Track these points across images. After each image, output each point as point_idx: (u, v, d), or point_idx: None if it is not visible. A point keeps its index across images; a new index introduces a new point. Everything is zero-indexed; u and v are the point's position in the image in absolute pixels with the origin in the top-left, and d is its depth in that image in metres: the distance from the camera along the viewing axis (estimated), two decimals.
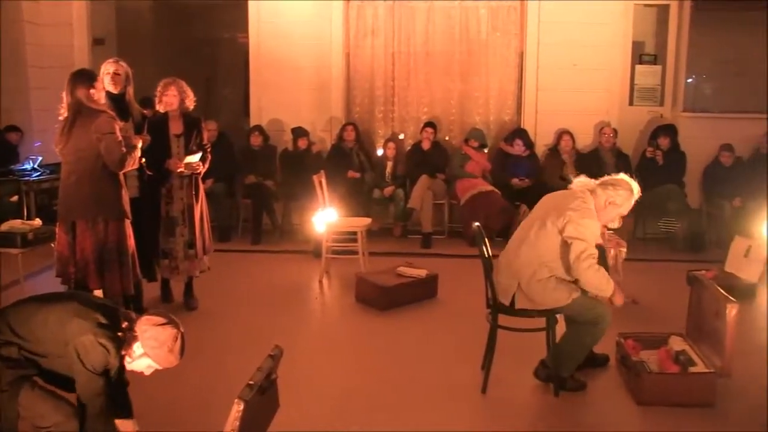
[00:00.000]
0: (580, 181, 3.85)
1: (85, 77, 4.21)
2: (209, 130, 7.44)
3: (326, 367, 4.20)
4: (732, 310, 3.66)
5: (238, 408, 2.47)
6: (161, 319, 2.79)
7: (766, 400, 3.72)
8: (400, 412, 3.60)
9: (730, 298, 3.75)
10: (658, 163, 7.42)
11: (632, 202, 3.73)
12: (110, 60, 4.86)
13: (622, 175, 3.82)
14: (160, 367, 2.81)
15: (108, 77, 4.71)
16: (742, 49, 8.46)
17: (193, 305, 5.18)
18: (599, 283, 3.62)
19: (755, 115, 8.01)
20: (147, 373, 2.85)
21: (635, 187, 3.74)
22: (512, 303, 3.75)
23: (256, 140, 7.69)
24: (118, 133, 4.15)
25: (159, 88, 4.99)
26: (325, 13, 7.85)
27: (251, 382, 2.59)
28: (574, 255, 3.55)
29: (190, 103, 5.03)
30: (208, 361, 4.19)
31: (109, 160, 4.13)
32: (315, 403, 3.69)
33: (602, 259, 3.85)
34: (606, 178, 3.80)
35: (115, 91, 4.72)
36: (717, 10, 8.12)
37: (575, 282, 3.69)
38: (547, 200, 3.92)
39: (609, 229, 3.97)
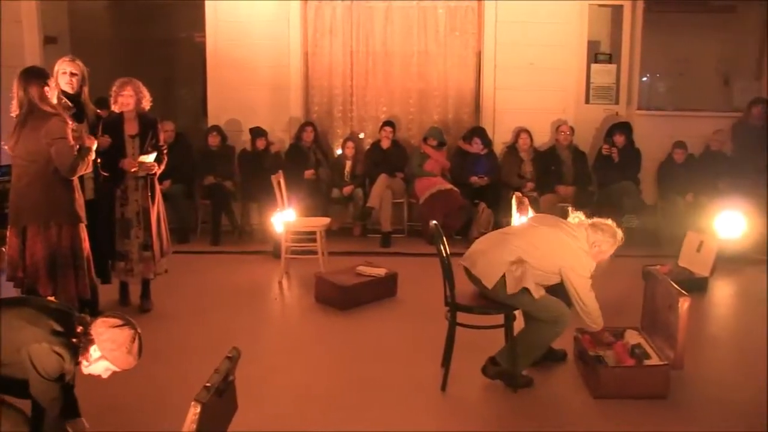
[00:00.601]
0: (578, 218, 3.98)
1: (39, 75, 4.11)
2: (166, 131, 7.37)
3: (286, 368, 4.17)
4: (684, 304, 3.74)
5: (194, 410, 2.44)
6: (117, 321, 2.77)
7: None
8: (360, 411, 3.60)
9: (683, 291, 3.83)
10: (613, 160, 7.53)
11: (614, 250, 3.87)
12: (66, 59, 4.75)
13: (610, 222, 3.92)
14: (118, 369, 2.79)
15: (65, 77, 4.62)
16: (692, 49, 8.66)
17: (147, 307, 5.11)
18: (596, 311, 3.84)
19: (706, 113, 8.21)
20: (105, 376, 2.82)
21: (619, 234, 3.87)
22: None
23: (214, 141, 7.61)
24: (70, 138, 4.06)
25: (114, 88, 4.89)
26: (283, 13, 7.80)
27: (208, 384, 2.56)
28: (577, 285, 3.75)
29: (147, 103, 4.96)
30: (166, 363, 4.13)
31: (60, 166, 4.03)
32: (274, 403, 3.67)
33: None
34: (597, 220, 3.91)
35: (71, 92, 4.63)
36: (667, 11, 8.30)
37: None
38: (545, 218, 4.19)
39: None
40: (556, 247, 3.77)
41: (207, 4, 7.78)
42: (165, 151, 5.08)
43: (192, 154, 7.73)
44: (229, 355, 2.84)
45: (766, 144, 7.59)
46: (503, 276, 3.69)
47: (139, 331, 2.79)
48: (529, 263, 3.70)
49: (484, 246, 3.89)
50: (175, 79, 9.17)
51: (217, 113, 7.94)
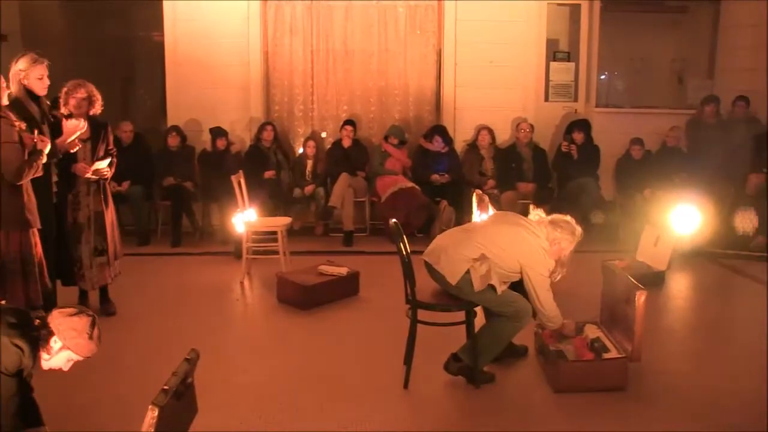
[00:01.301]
0: (538, 215, 4.00)
1: None
2: (125, 132, 7.29)
3: (247, 369, 4.14)
4: (641, 297, 3.80)
5: (152, 414, 2.41)
6: (73, 310, 2.79)
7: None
8: (323, 411, 3.58)
9: (639, 285, 3.88)
10: (573, 157, 7.63)
11: (573, 246, 3.91)
12: (37, 59, 4.46)
13: (569, 218, 3.96)
14: (80, 358, 2.79)
15: (40, 83, 4.41)
16: (648, 48, 8.82)
17: (111, 310, 5.02)
18: (554, 312, 3.88)
19: (662, 111, 8.37)
20: (66, 368, 2.81)
21: (578, 230, 3.92)
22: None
23: (173, 141, 7.52)
24: (17, 140, 3.93)
25: (66, 89, 4.75)
26: (243, 12, 7.75)
27: (166, 387, 2.53)
28: (535, 283, 3.79)
29: (99, 108, 4.84)
30: (126, 366, 4.09)
31: (5, 171, 3.91)
32: (236, 405, 3.63)
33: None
34: (556, 217, 3.94)
35: (43, 94, 4.48)
36: (623, 11, 8.44)
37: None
38: (506, 215, 4.18)
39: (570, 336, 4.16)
40: (518, 245, 3.79)
41: (165, 3, 7.70)
42: (114, 155, 4.96)
43: (151, 154, 7.63)
44: (187, 357, 2.80)
45: (719, 141, 7.76)
46: (467, 272, 3.70)
47: (95, 316, 2.80)
48: (491, 261, 3.71)
49: (447, 242, 3.90)
50: (133, 78, 9.02)
51: (176, 113, 7.84)
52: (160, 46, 7.91)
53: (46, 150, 4.15)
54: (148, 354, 4.31)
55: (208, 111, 7.79)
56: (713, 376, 4.05)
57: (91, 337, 2.75)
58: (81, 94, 4.73)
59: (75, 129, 4.53)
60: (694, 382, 3.98)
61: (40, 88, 4.44)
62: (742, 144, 7.79)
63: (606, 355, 3.95)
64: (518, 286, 3.85)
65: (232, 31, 7.76)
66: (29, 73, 4.38)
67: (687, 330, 5.05)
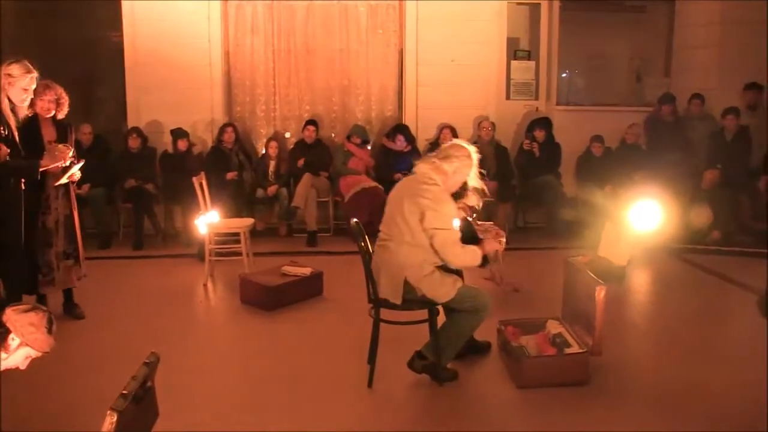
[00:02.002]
0: (422, 164, 3.81)
1: None
2: (84, 134, 7.18)
3: (211, 371, 4.11)
4: (601, 292, 3.85)
5: (110, 419, 2.37)
6: (27, 306, 2.77)
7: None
8: (286, 411, 3.57)
9: (599, 281, 3.94)
10: (535, 155, 7.70)
11: (474, 167, 3.79)
12: (30, 70, 4.30)
13: (458, 141, 3.88)
14: (39, 354, 2.76)
15: (23, 93, 4.25)
16: (607, 47, 8.95)
17: (79, 314, 4.95)
18: (469, 260, 3.76)
19: (621, 108, 8.51)
20: (23, 366, 2.77)
21: (471, 150, 3.80)
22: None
23: (134, 143, 7.42)
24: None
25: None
26: (203, 12, 7.68)
27: (124, 392, 2.49)
28: (439, 245, 3.64)
29: (65, 110, 4.73)
30: (86, 371, 4.03)
31: None
32: (198, 407, 3.60)
33: (468, 232, 3.90)
34: (444, 147, 3.82)
35: (21, 106, 4.31)
36: (582, 10, 8.56)
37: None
38: (399, 192, 3.83)
39: (470, 206, 4.02)
40: (419, 217, 3.65)
41: (124, 3, 7.60)
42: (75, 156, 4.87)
43: (111, 156, 7.53)
44: (146, 360, 2.77)
45: (676, 138, 7.92)
46: (405, 283, 3.70)
47: (50, 312, 2.79)
48: (428, 261, 3.69)
49: (378, 261, 3.81)
50: (92, 79, 8.87)
51: (136, 115, 7.75)
52: (119, 47, 7.79)
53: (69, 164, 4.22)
54: (110, 358, 4.24)
55: (170, 112, 7.70)
56: (673, 369, 4.12)
57: (49, 332, 2.74)
58: (49, 96, 4.60)
59: (63, 158, 4.43)
60: (654, 374, 4.05)
61: (20, 99, 4.28)
62: (698, 141, 7.98)
63: (567, 350, 3.99)
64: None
65: (193, 31, 7.68)
66: (17, 81, 4.23)
67: (647, 323, 5.14)
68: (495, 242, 3.92)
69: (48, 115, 4.65)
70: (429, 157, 3.82)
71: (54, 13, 8.19)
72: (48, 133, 4.67)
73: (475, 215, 5.89)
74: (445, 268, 3.79)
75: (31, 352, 2.73)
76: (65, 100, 4.72)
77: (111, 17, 7.81)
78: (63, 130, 4.75)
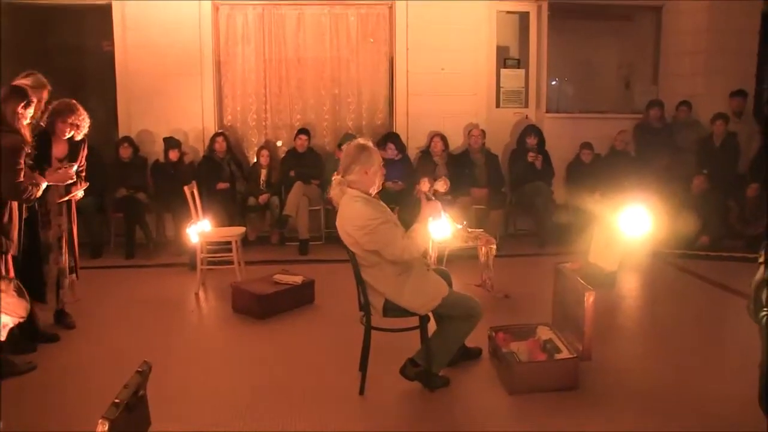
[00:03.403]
0: (336, 188, 3.79)
1: None
2: None
3: (203, 379, 4.11)
4: (590, 298, 3.90)
5: (102, 428, 2.38)
6: None
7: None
8: (278, 419, 3.58)
9: (588, 286, 3.98)
10: (537, 167, 7.73)
11: (376, 152, 3.72)
12: (46, 85, 4.42)
13: (346, 145, 3.81)
14: (16, 320, 2.84)
15: (36, 106, 4.27)
16: (595, 54, 9.03)
17: (70, 324, 4.93)
18: (420, 242, 3.69)
19: (610, 115, 8.58)
20: (3, 336, 2.82)
21: (364, 142, 3.74)
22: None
23: (125, 152, 7.43)
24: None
25: (55, 109, 4.55)
26: (194, 21, 7.71)
27: (117, 401, 2.51)
28: (390, 255, 3.59)
29: (82, 134, 4.67)
30: (80, 380, 4.03)
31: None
32: (191, 416, 3.60)
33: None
34: (341, 161, 3.76)
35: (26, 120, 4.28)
36: (571, 18, 8.63)
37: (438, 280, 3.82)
38: (340, 224, 3.79)
39: (441, 192, 4.00)
40: (359, 247, 3.66)
41: (114, 11, 7.60)
42: (84, 170, 4.83)
43: (103, 166, 7.50)
44: (139, 369, 2.78)
45: (664, 144, 7.99)
46: (384, 301, 3.72)
47: (14, 278, 2.87)
48: (399, 277, 3.68)
49: (367, 281, 3.78)
50: (82, 88, 8.87)
51: (127, 124, 7.76)
52: (109, 56, 7.81)
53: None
54: (102, 367, 4.25)
55: (161, 121, 7.72)
56: (662, 374, 4.15)
57: (20, 296, 2.74)
58: (71, 119, 4.54)
59: (67, 177, 4.49)
60: (644, 379, 4.07)
61: (33, 115, 4.30)
62: (686, 147, 8.05)
63: (558, 356, 4.02)
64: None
65: (184, 40, 7.71)
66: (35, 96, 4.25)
67: (637, 329, 5.17)
68: (431, 205, 3.80)
69: (64, 138, 4.61)
70: (337, 179, 3.78)
71: (45, 22, 8.20)
72: (59, 149, 4.63)
73: (465, 222, 5.96)
74: (429, 276, 3.80)
75: (8, 319, 2.72)
76: (85, 124, 4.64)
77: (102, 26, 7.83)
78: (75, 146, 4.70)
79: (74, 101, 4.63)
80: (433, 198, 3.84)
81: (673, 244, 7.07)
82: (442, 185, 3.87)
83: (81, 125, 4.63)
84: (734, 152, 7.84)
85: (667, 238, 7.00)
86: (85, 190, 6.54)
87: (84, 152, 4.79)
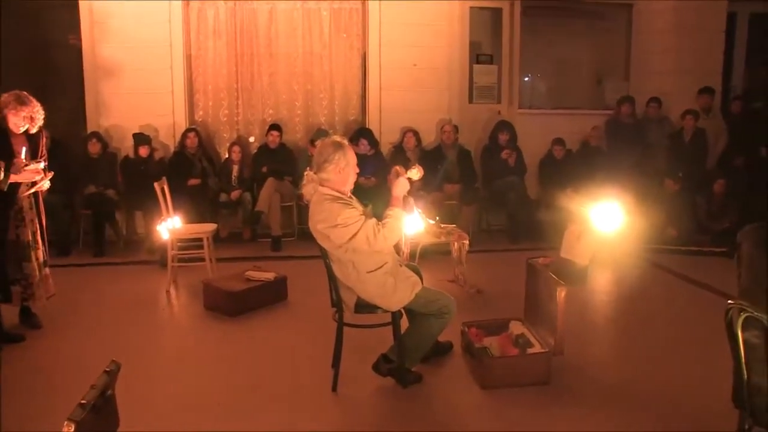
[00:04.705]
0: (308, 186, 3.75)
1: None
2: None
3: (174, 378, 4.07)
4: (561, 293, 3.92)
5: (67, 430, 2.33)
6: None
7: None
8: (252, 417, 3.55)
9: (560, 281, 4.00)
10: (510, 164, 7.76)
11: (350, 150, 3.68)
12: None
13: (320, 141, 3.76)
14: None
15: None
16: (568, 50, 9.07)
17: (37, 324, 4.84)
18: (398, 226, 3.69)
19: (582, 111, 8.64)
20: None
21: (339, 140, 3.70)
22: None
23: (94, 148, 7.31)
24: None
25: (5, 101, 4.45)
26: (163, 15, 7.60)
27: (83, 402, 2.46)
28: (367, 246, 3.56)
29: (37, 126, 4.57)
30: (45, 382, 3.96)
31: None
32: (161, 415, 3.56)
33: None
34: (314, 158, 3.70)
35: None
36: (543, 15, 8.68)
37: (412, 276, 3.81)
38: (311, 223, 3.76)
39: (414, 180, 3.97)
40: (330, 243, 3.65)
41: (81, 5, 7.48)
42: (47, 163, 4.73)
43: (70, 162, 7.37)
44: (107, 369, 2.73)
45: (635, 139, 8.07)
46: (357, 298, 3.72)
47: None
48: (372, 273, 3.66)
49: (339, 279, 3.77)
50: (49, 83, 8.72)
51: (96, 119, 7.64)
52: (77, 50, 7.67)
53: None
54: (69, 367, 4.18)
55: (130, 117, 7.61)
56: (634, 368, 4.20)
57: None
58: (24, 112, 4.43)
59: (35, 175, 4.43)
60: (616, 374, 4.11)
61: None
62: (656, 143, 8.15)
63: (530, 351, 4.04)
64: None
65: (153, 34, 7.60)
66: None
67: (608, 323, 5.21)
68: (400, 180, 3.77)
69: (19, 132, 4.50)
70: (310, 175, 3.74)
71: (9, 15, 8.04)
72: (18, 142, 4.51)
73: (438, 218, 5.96)
74: (401, 273, 3.79)
75: None
76: (40, 115, 4.55)
77: (68, 20, 7.69)
78: (34, 139, 4.60)
79: (25, 93, 4.52)
80: (404, 175, 3.82)
81: (645, 239, 7.13)
82: (416, 173, 3.84)
83: (35, 117, 4.53)
84: (703, 148, 7.94)
85: (638, 234, 7.06)
86: (52, 188, 6.45)
87: (44, 143, 4.70)
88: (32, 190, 4.57)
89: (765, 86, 9.06)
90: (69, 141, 7.62)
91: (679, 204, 7.40)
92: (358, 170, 3.80)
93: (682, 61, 8.36)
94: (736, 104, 8.51)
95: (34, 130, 4.58)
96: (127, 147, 7.53)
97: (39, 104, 4.58)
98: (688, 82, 8.27)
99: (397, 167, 3.81)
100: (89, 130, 7.53)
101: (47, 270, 4.80)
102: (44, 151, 4.69)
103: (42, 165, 4.54)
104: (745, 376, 2.46)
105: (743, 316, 2.42)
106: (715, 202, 7.61)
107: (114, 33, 7.53)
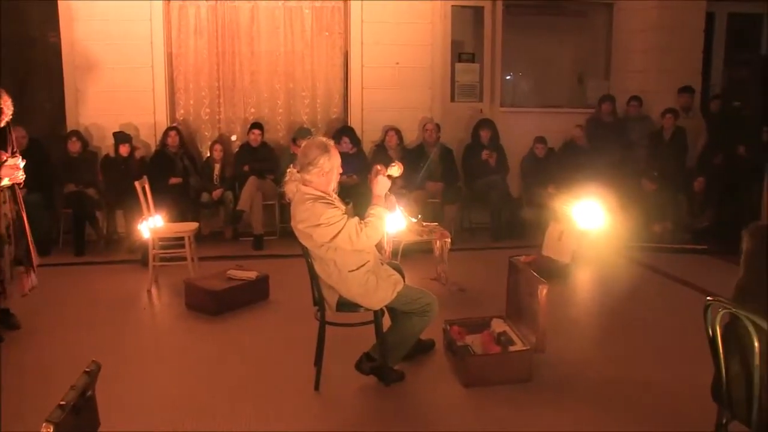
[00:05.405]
0: (290, 184, 3.73)
1: None
2: (19, 137, 6.91)
3: (156, 378, 4.04)
4: (543, 290, 3.93)
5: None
6: None
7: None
8: (234, 417, 3.54)
9: (541, 279, 4.02)
10: (491, 165, 7.78)
11: (335, 153, 3.67)
12: None
13: (306, 142, 3.76)
14: None
15: None
16: (550, 49, 9.11)
17: (15, 324, 4.77)
18: (381, 224, 3.68)
19: (563, 110, 8.69)
20: None
21: (325, 141, 3.68)
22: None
23: (74, 146, 7.24)
24: None
25: None
26: (144, 12, 7.53)
27: (62, 403, 2.43)
28: (350, 245, 3.56)
29: (6, 120, 4.50)
30: (24, 383, 3.91)
31: None
32: (142, 416, 3.54)
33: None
34: (299, 158, 3.68)
35: None
36: (525, 14, 8.72)
37: (394, 275, 3.81)
38: (293, 222, 3.74)
39: (395, 177, 3.96)
40: (312, 242, 3.64)
41: (60, 2, 7.39)
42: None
43: (49, 161, 7.31)
44: (87, 369, 2.71)
45: (616, 138, 8.12)
46: (338, 296, 3.72)
47: None
48: (352, 272, 3.66)
49: (321, 278, 3.77)
50: (27, 81, 8.63)
51: (75, 117, 7.57)
52: (56, 47, 7.59)
53: None
54: (49, 368, 4.13)
55: (111, 115, 7.55)
56: (615, 365, 4.22)
57: None
58: None
59: (15, 169, 4.39)
60: (597, 371, 4.13)
61: None
62: (636, 141, 8.20)
63: (512, 348, 4.06)
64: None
65: (134, 32, 7.53)
66: None
67: (590, 321, 5.24)
68: (380, 179, 3.75)
69: None
70: (292, 173, 3.72)
71: None
72: None
73: (420, 216, 5.97)
74: (383, 271, 3.79)
75: None
76: (9, 110, 4.48)
77: (47, 16, 7.60)
78: (2, 133, 4.54)
79: None
80: (385, 173, 3.81)
81: (626, 237, 7.17)
82: (396, 170, 3.83)
83: (4, 110, 4.47)
84: (683, 146, 8.00)
85: (620, 231, 7.10)
86: (31, 187, 6.40)
87: (13, 138, 4.64)
88: (5, 183, 4.49)
89: (743, 85, 9.15)
90: (49, 139, 7.55)
91: (660, 202, 7.45)
92: (341, 170, 3.78)
93: (662, 60, 8.42)
94: (715, 103, 8.59)
95: (1, 125, 4.51)
96: (107, 146, 7.47)
97: (9, 98, 4.51)
98: (668, 81, 8.33)
99: (378, 166, 3.80)
100: (69, 129, 7.45)
101: (21, 269, 4.68)
102: (15, 146, 4.63)
103: (20, 161, 4.48)
104: (723, 372, 2.49)
105: (722, 312, 2.45)
106: (696, 200, 7.68)
107: (94, 30, 7.45)
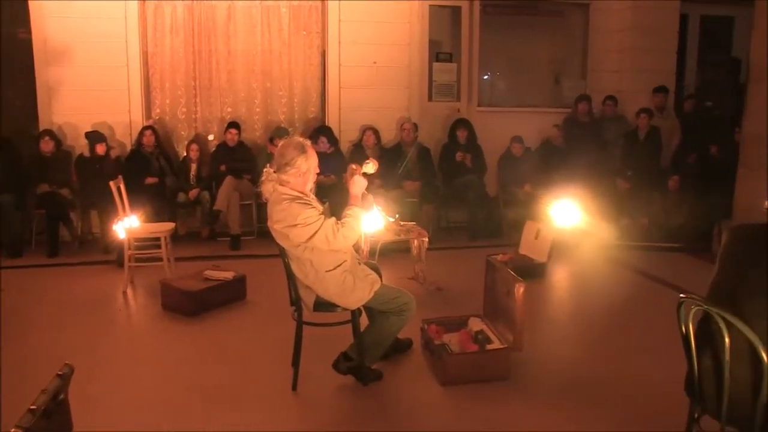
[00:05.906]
0: (267, 184, 3.70)
1: None
2: None
3: (132, 380, 4.00)
4: (520, 289, 3.95)
5: None
6: None
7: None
8: (211, 418, 3.52)
9: (518, 278, 4.03)
10: (467, 165, 7.80)
11: (313, 154, 3.66)
12: None
13: (283, 142, 3.74)
14: None
15: None
16: (527, 49, 9.16)
17: None
18: (357, 224, 3.65)
19: (540, 109, 8.75)
20: None
21: (302, 142, 3.67)
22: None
23: (47, 146, 7.13)
24: None
25: None
26: (119, 11, 7.45)
27: (33, 407, 2.39)
28: (327, 245, 3.55)
29: None
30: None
31: None
32: (117, 419, 3.50)
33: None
34: (276, 158, 3.66)
35: None
36: (502, 14, 8.75)
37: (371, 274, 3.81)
38: (269, 222, 3.73)
39: (371, 174, 3.95)
40: (289, 242, 3.63)
41: (30, 2, 7.28)
42: None
43: (21, 160, 7.20)
44: (59, 372, 2.67)
45: (592, 137, 8.19)
46: (316, 296, 3.71)
47: None
48: (330, 272, 3.65)
49: (298, 278, 3.77)
50: None
51: (48, 116, 7.46)
52: (26, 44, 7.47)
53: None
54: (21, 372, 4.06)
55: (85, 114, 7.45)
56: (592, 363, 4.26)
57: None
58: None
59: None
60: (574, 369, 4.16)
61: None
62: (612, 141, 8.28)
63: (489, 346, 4.08)
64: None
65: (109, 30, 7.45)
66: None
67: (567, 319, 5.28)
68: (356, 178, 3.73)
69: None
70: (269, 173, 3.69)
71: None
72: None
73: (397, 215, 5.97)
74: (360, 271, 3.78)
75: None
76: None
77: (17, 13, 7.48)
78: None
79: None
80: (360, 172, 3.80)
81: (602, 235, 7.23)
82: (371, 167, 3.82)
83: None
84: (657, 145, 8.09)
85: (596, 230, 7.16)
86: (3, 187, 6.29)
87: None
88: None
89: (716, 86, 9.27)
90: (19, 139, 7.43)
91: (635, 200, 7.52)
92: (319, 171, 3.77)
93: (637, 60, 8.51)
94: (689, 103, 8.69)
95: None
96: (81, 145, 7.37)
97: None
98: (643, 81, 8.42)
99: (353, 165, 3.80)
100: (42, 128, 7.35)
101: None
102: None
103: None
104: (695, 367, 2.52)
105: (694, 309, 2.47)
106: (670, 198, 7.76)
107: (66, 28, 7.35)
